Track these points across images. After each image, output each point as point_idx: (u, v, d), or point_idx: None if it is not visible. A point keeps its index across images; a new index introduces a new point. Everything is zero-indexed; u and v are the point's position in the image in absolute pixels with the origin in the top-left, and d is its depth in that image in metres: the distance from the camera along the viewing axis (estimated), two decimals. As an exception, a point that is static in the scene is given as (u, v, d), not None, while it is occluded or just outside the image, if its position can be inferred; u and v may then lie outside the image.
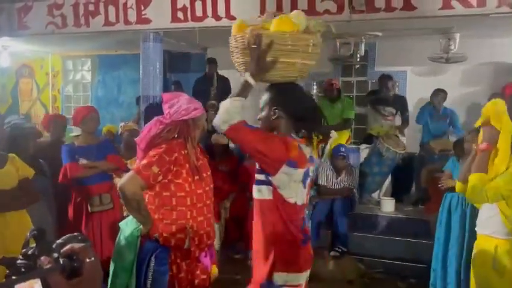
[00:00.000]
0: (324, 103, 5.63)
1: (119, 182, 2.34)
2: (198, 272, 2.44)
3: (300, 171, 2.00)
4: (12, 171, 3.05)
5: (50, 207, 3.61)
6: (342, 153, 4.88)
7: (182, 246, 2.35)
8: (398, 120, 6.01)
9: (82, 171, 3.60)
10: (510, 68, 5.88)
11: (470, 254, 3.50)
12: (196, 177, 2.37)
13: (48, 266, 0.77)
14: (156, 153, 2.30)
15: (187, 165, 2.35)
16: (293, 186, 2.00)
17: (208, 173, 2.49)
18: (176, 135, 2.38)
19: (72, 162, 3.60)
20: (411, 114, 6.03)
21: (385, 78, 5.94)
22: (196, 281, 2.43)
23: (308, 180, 2.09)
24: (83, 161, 3.61)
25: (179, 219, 2.33)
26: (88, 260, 0.81)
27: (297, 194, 2.03)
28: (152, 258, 2.34)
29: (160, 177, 2.28)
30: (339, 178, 4.96)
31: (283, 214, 1.99)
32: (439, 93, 5.70)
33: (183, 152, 2.35)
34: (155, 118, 2.44)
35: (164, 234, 2.34)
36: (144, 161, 2.29)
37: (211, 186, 2.51)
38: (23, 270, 0.79)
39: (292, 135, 2.02)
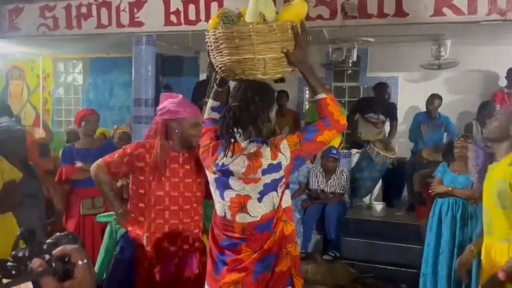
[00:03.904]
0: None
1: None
2: (158, 276, 2.35)
3: (210, 175, 1.92)
4: None
5: (41, 211, 3.57)
6: (333, 155, 4.88)
7: (141, 242, 2.38)
8: (387, 126, 6.04)
9: (76, 174, 3.66)
10: (500, 75, 5.94)
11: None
12: (162, 179, 2.34)
13: (40, 269, 0.76)
14: (126, 146, 2.47)
15: (152, 165, 2.35)
16: (213, 190, 1.95)
17: (186, 180, 2.38)
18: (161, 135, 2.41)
19: (68, 164, 3.69)
20: (402, 119, 6.06)
21: (382, 86, 5.92)
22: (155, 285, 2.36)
23: (231, 194, 1.83)
24: (79, 164, 3.66)
25: (139, 216, 2.37)
26: (80, 263, 0.79)
27: (216, 201, 1.93)
28: (117, 246, 2.46)
29: (124, 168, 2.37)
30: (329, 182, 4.95)
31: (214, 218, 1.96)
32: (435, 100, 5.58)
33: (152, 151, 2.34)
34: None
35: (129, 227, 2.41)
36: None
37: (187, 194, 2.38)
38: (13, 272, 0.77)
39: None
